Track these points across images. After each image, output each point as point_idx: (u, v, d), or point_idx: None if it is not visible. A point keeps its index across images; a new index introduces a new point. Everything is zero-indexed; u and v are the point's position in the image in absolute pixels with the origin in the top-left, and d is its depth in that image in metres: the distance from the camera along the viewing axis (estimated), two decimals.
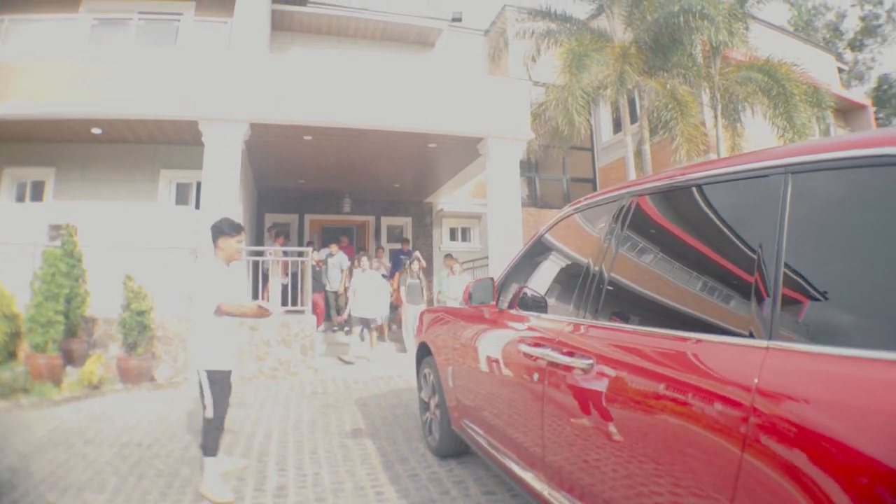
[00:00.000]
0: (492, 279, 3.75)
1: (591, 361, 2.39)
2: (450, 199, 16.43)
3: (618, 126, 16.56)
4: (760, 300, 1.74)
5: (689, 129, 10.62)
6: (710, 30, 10.30)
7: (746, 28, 11.51)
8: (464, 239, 17.36)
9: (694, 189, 2.35)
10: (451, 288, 11.26)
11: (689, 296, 2.23)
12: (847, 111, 19.30)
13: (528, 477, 2.90)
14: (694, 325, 2.05)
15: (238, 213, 9.40)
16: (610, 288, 2.60)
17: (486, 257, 12.10)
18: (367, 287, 10.44)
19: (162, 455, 4.74)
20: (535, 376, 2.79)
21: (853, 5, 34.00)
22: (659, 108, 10.87)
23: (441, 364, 4.31)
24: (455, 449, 4.47)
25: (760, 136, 12.18)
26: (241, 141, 9.33)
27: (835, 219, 1.66)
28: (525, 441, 2.94)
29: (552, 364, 2.66)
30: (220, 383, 4.03)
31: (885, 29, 33.31)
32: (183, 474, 4.27)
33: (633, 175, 11.63)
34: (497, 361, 3.34)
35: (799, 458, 1.40)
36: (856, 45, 33.95)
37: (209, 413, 3.99)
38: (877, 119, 22.92)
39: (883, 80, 31.48)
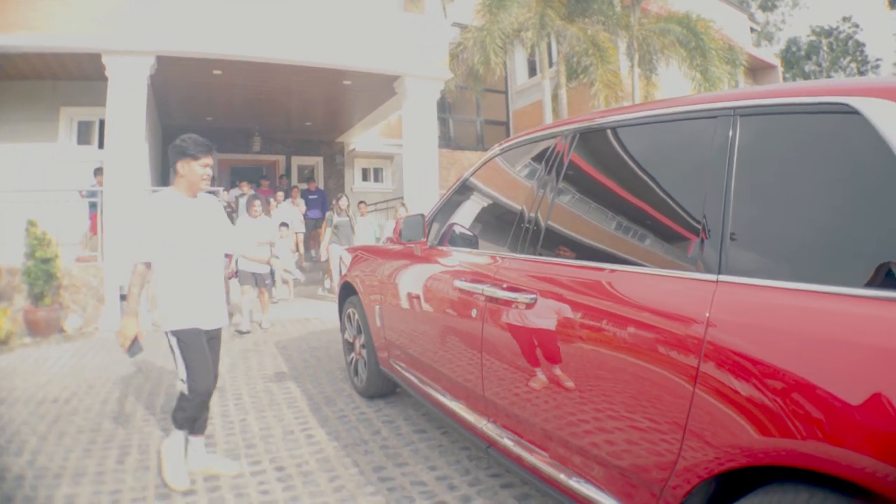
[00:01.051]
0: (422, 216, 3.68)
1: (533, 296, 2.39)
2: (362, 139, 16.08)
3: (533, 70, 16.61)
4: (709, 237, 1.77)
5: (609, 76, 10.76)
6: None
7: None
8: (376, 179, 17.11)
9: (642, 126, 2.35)
10: (363, 229, 10.72)
11: (637, 232, 2.26)
12: (757, 70, 20.07)
13: (464, 411, 2.94)
14: (642, 261, 2.08)
15: (143, 153, 8.87)
16: (552, 223, 2.59)
17: (400, 198, 12.00)
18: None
19: (81, 410, 4.45)
20: (474, 312, 2.78)
21: None
22: (579, 53, 10.94)
23: (368, 303, 4.25)
24: (383, 389, 4.46)
25: (673, 89, 12.53)
26: (146, 75, 8.70)
27: (781, 160, 1.69)
28: (461, 376, 2.96)
29: (492, 299, 2.65)
30: (191, 346, 3.16)
31: None
32: (105, 429, 4.03)
33: (549, 118, 11.74)
34: (432, 298, 3.32)
35: (747, 387, 1.47)
36: (767, 6, 35.29)
37: (185, 387, 3.17)
38: (784, 79, 24.00)
39: (792, 42, 33.13)
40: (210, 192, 3.66)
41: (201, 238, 3.25)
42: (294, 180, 15.69)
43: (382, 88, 10.97)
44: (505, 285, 2.60)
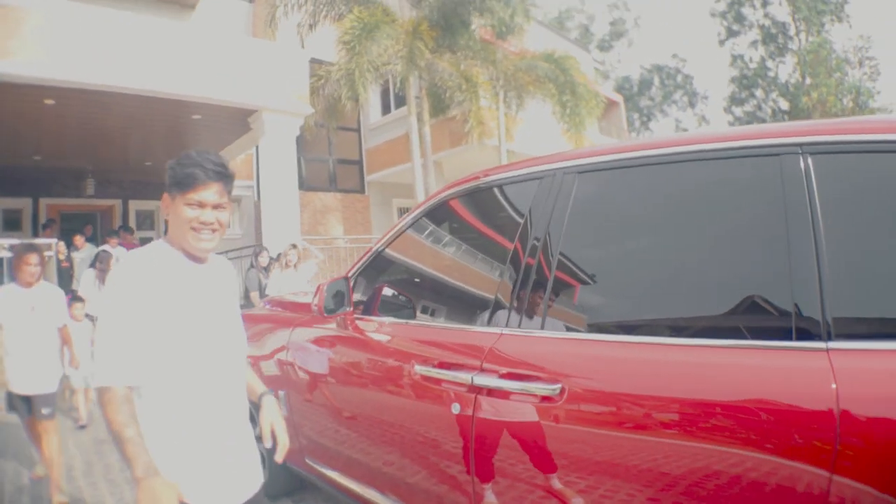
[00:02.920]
0: (346, 279, 2.91)
1: (557, 386, 1.77)
2: None
3: (387, 107, 16.19)
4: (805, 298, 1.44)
5: (481, 112, 10.50)
6: (502, 12, 10.23)
7: (527, 19, 11.71)
8: None
9: (691, 163, 1.82)
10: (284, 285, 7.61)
11: (701, 293, 1.73)
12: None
13: None
14: (716, 331, 1.62)
15: None
16: (560, 285, 2.01)
17: (251, 246, 10.94)
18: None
19: None
20: (454, 407, 2.09)
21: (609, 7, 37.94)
22: (452, 88, 10.60)
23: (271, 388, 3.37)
24: (288, 487, 3.59)
25: (535, 126, 12.61)
26: None
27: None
28: (439, 488, 2.24)
29: (487, 391, 1.99)
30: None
31: (632, 33, 38.20)
32: None
33: (417, 154, 11.25)
34: (376, 387, 2.56)
35: None
36: (605, 47, 38.20)
37: None
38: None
39: (625, 80, 36.02)
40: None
41: (223, 336, 1.80)
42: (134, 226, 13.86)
43: (235, 123, 9.96)
44: (502, 371, 1.95)
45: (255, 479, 1.87)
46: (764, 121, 28.23)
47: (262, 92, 9.36)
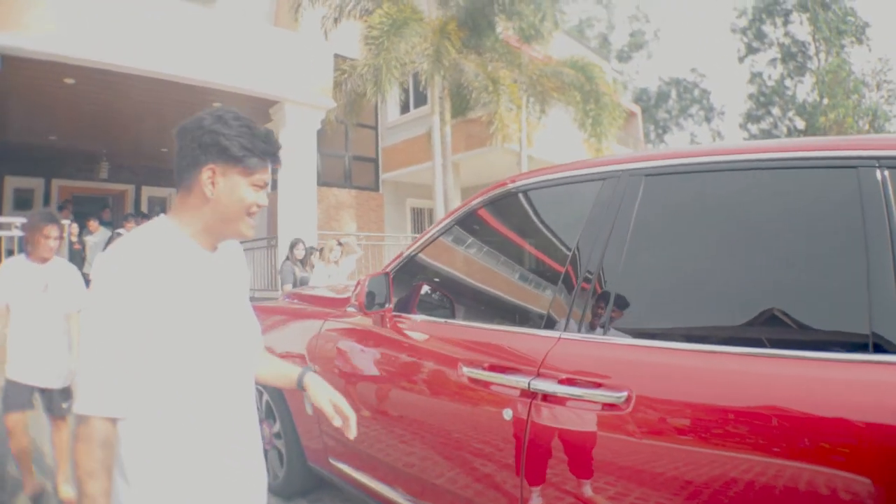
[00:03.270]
0: (387, 275, 2.78)
1: (623, 394, 1.69)
2: None
3: (406, 107, 16.08)
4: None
5: (507, 115, 10.39)
6: (532, 16, 10.13)
7: (556, 25, 11.62)
8: None
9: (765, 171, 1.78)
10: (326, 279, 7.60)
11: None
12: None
13: None
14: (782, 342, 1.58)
15: None
16: (625, 290, 1.91)
17: (265, 238, 10.81)
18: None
19: None
20: (507, 413, 1.98)
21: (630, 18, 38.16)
22: (478, 89, 10.47)
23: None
24: (305, 486, 3.48)
25: (557, 133, 12.49)
26: None
27: None
28: (485, 495, 2.12)
29: (546, 397, 1.87)
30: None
31: (651, 45, 38.14)
32: None
33: (438, 155, 11.14)
34: (417, 387, 2.45)
35: None
36: (623, 57, 38.19)
37: None
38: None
39: (643, 91, 36.06)
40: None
41: (237, 339, 1.47)
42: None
43: (256, 114, 9.85)
44: (562, 377, 1.84)
45: (262, 494, 1.56)
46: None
47: (285, 83, 9.28)
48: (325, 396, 1.65)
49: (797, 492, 1.38)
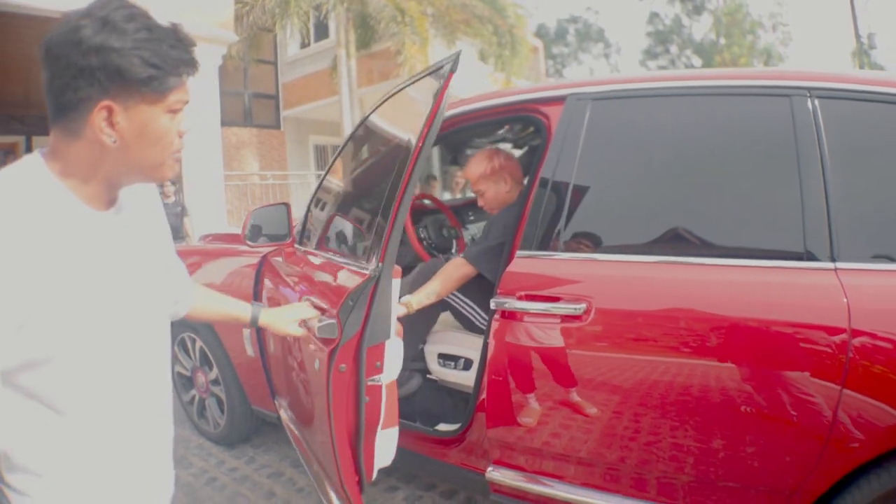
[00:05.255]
0: (286, 205, 2.88)
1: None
2: None
3: (306, 42, 15.48)
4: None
5: (413, 48, 10.17)
6: None
7: None
8: None
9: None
10: None
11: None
12: None
13: None
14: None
15: None
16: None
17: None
18: None
19: None
20: None
21: None
22: (385, 19, 10.15)
23: (228, 327, 3.16)
24: (248, 431, 3.45)
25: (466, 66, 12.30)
26: None
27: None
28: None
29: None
30: None
31: None
32: None
33: (346, 89, 10.85)
34: None
35: None
36: None
37: None
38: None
39: (541, 27, 36.41)
40: None
41: (145, 319, 1.12)
42: None
43: None
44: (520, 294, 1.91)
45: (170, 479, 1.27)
46: None
47: (182, 15, 8.66)
48: (290, 324, 1.65)
49: (744, 392, 1.60)
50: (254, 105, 16.24)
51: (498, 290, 1.98)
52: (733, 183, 1.83)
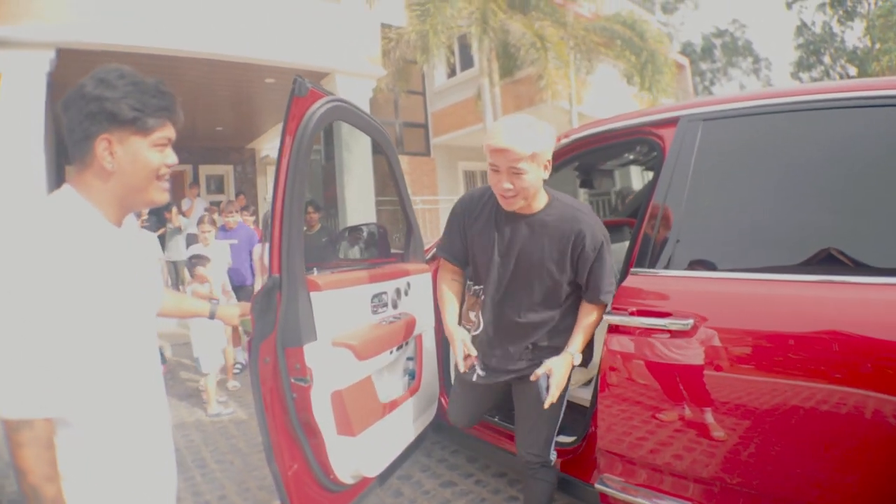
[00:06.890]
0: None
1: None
2: (274, 145, 14.96)
3: (452, 71, 16.05)
4: None
5: (554, 72, 10.32)
6: None
7: None
8: None
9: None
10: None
11: None
12: None
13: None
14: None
15: (41, 166, 7.44)
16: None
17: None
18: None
19: None
20: None
21: None
22: (525, 46, 10.38)
23: None
24: None
25: (603, 91, 12.30)
26: (44, 73, 7.26)
27: None
28: None
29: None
30: None
31: None
32: None
33: (490, 115, 11.19)
34: None
35: None
36: (668, 8, 37.10)
37: None
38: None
39: (687, 44, 35.03)
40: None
41: (144, 315, 1.43)
42: (203, 192, 14.20)
43: None
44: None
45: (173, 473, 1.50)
46: None
47: (335, 53, 9.38)
48: (235, 318, 2.09)
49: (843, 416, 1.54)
50: (405, 134, 17.02)
51: (611, 306, 2.06)
52: (863, 197, 1.76)
